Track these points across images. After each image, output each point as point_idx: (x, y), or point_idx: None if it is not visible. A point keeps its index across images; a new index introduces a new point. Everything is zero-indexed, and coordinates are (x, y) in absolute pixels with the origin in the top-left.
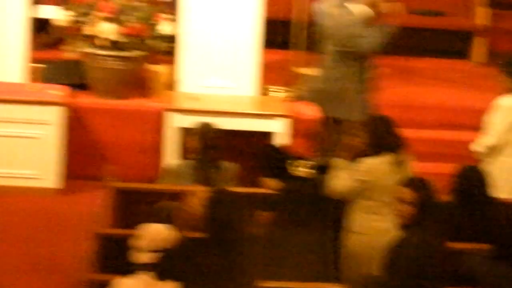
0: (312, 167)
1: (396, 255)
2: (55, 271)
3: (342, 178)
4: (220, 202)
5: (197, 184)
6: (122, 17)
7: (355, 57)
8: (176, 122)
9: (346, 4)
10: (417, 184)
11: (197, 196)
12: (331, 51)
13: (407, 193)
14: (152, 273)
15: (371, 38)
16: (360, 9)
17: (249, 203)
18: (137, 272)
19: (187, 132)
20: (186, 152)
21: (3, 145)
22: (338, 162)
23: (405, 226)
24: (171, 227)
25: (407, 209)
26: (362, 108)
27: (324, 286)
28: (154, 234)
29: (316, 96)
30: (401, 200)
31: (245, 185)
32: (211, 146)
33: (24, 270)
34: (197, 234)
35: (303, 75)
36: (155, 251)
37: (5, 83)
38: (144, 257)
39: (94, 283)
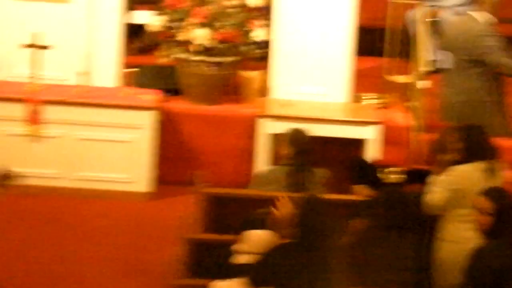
0: (403, 174)
1: (474, 264)
2: (146, 275)
3: (437, 191)
4: (310, 209)
5: (288, 189)
6: (216, 23)
7: (487, 68)
8: (268, 128)
9: (469, 12)
10: (495, 194)
11: (288, 202)
12: (459, 61)
13: (486, 203)
14: (247, 278)
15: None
16: (484, 17)
17: (339, 210)
18: (232, 276)
19: (279, 138)
20: (277, 158)
21: (96, 149)
22: (433, 178)
23: (483, 236)
24: (269, 232)
25: (485, 219)
26: (502, 121)
27: None
28: (255, 239)
29: (451, 110)
30: (480, 210)
31: (336, 192)
32: (303, 151)
33: (115, 274)
34: (287, 240)
35: (398, 84)
36: (253, 256)
37: (99, 88)
38: (243, 261)
39: (182, 287)
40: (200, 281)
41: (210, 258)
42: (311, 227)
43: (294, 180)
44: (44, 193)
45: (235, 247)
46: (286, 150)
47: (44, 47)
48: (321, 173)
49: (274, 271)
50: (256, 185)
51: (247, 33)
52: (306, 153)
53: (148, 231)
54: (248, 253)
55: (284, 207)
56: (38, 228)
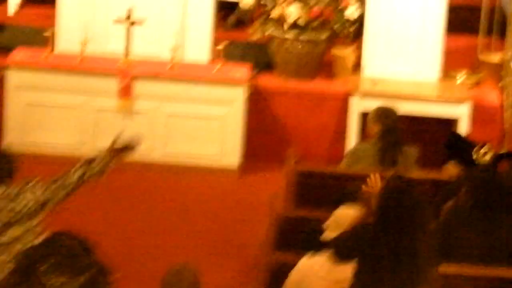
0: (496, 154)
1: None
2: (236, 250)
3: None
4: (398, 187)
5: (378, 167)
6: (310, 0)
7: None
8: (360, 106)
9: None
10: None
11: (378, 180)
12: None
13: None
14: (334, 253)
15: None
16: None
17: (429, 189)
18: (320, 251)
19: (369, 115)
20: (368, 135)
21: (187, 124)
22: None
23: None
24: (359, 210)
25: None
26: None
27: (505, 271)
28: (345, 216)
29: None
30: None
31: (426, 170)
32: (392, 129)
33: (205, 248)
34: (374, 218)
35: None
36: (341, 232)
37: (191, 63)
38: (331, 237)
39: (273, 263)
40: (289, 257)
41: (299, 234)
42: (399, 205)
43: (384, 158)
44: (135, 168)
45: (325, 223)
46: (375, 128)
47: (138, 22)
48: (411, 151)
49: (360, 248)
50: (348, 162)
51: (340, 10)
52: (396, 131)
53: (238, 206)
54: (338, 229)
55: (375, 185)
56: (129, 202)
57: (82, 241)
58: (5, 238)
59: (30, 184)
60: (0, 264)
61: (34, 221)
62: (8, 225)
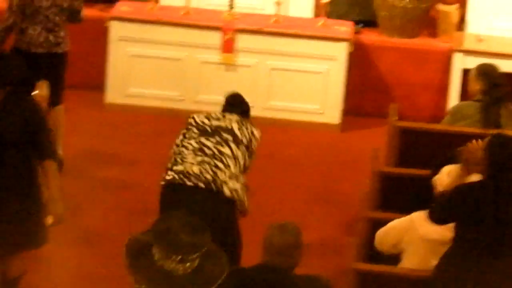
0: None
1: None
2: (336, 205)
3: None
4: (501, 145)
5: (482, 125)
6: None
7: None
8: (463, 63)
9: None
10: None
11: (480, 144)
12: None
13: None
14: (431, 216)
15: None
16: None
17: None
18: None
19: (471, 73)
20: (470, 93)
21: (289, 79)
22: None
23: None
24: (462, 169)
25: None
26: None
27: None
28: (449, 175)
29: None
30: None
31: None
32: (495, 86)
33: (307, 202)
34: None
35: None
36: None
37: (294, 18)
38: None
39: (372, 220)
40: (390, 215)
41: (398, 192)
42: (499, 164)
43: (487, 115)
44: None
45: (436, 179)
46: (478, 85)
47: None
48: None
49: (459, 208)
50: (450, 120)
51: None
52: (499, 87)
53: (339, 162)
54: (443, 188)
55: (476, 149)
56: None
57: (192, 222)
58: None
59: None
60: None
61: None
62: None
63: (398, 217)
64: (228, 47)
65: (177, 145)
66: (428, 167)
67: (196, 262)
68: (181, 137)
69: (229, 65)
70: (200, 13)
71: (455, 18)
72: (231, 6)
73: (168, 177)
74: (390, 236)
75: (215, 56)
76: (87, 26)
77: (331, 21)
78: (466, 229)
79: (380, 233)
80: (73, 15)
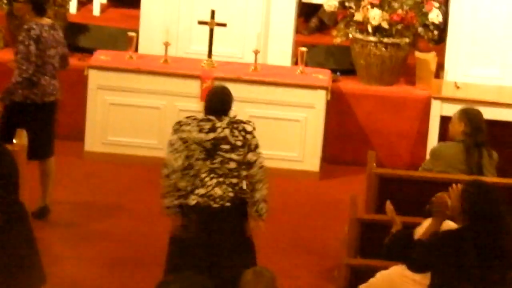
0: None
1: None
2: (315, 253)
3: None
4: (481, 195)
5: (464, 167)
6: (394, 3)
7: None
8: (441, 110)
9: None
10: None
11: (459, 192)
12: None
13: None
14: (410, 265)
15: None
16: None
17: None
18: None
19: (454, 115)
20: (451, 135)
21: (267, 127)
22: None
23: None
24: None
25: None
26: None
27: None
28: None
29: None
30: None
31: (506, 176)
32: (478, 129)
33: (284, 251)
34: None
35: None
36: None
37: (272, 66)
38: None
39: (353, 267)
40: (369, 262)
41: (380, 239)
42: (481, 213)
43: (470, 157)
44: None
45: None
46: (460, 127)
47: (221, 25)
48: (494, 154)
49: (439, 257)
50: (430, 161)
51: (424, 13)
52: (482, 131)
53: (317, 209)
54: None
55: (456, 196)
56: None
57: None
58: None
59: None
60: None
61: None
62: None
63: (378, 264)
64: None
65: (174, 171)
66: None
67: None
68: (176, 162)
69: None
70: (179, 62)
71: (432, 65)
72: (209, 55)
73: (192, 202)
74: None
75: (194, 104)
76: (65, 75)
77: (309, 69)
78: (445, 277)
79: None
80: (64, 61)
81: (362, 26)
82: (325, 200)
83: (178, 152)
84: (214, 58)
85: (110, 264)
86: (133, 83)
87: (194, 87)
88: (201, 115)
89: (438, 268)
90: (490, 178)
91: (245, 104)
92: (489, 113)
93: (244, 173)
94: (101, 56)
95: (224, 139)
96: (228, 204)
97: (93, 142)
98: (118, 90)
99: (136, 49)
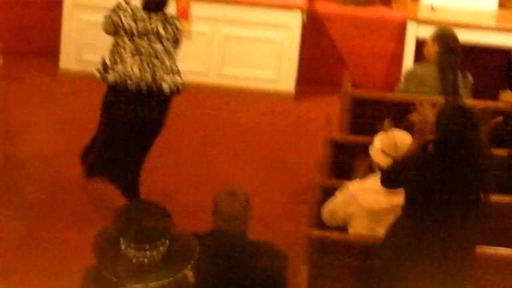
0: None
1: None
2: (288, 173)
3: None
4: (453, 114)
5: (437, 88)
6: None
7: None
8: (417, 33)
9: None
10: None
11: (429, 107)
12: None
13: None
14: (384, 180)
15: None
16: None
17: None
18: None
19: (429, 36)
20: (426, 57)
21: (243, 47)
22: None
23: None
24: (411, 136)
25: None
26: None
27: None
28: (397, 140)
29: None
30: None
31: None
32: (452, 50)
33: (259, 171)
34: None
35: None
36: (392, 157)
37: None
38: (381, 161)
39: (324, 187)
40: (342, 183)
41: (349, 159)
42: (453, 133)
43: (444, 78)
44: (191, 88)
45: (370, 147)
46: (435, 48)
47: None
48: (469, 77)
49: (410, 175)
50: (404, 84)
51: None
52: (456, 52)
53: (292, 130)
54: (387, 154)
55: (425, 112)
56: (185, 124)
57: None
58: None
59: None
60: None
61: None
62: None
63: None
64: (183, 15)
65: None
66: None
67: (165, 248)
68: (110, 27)
69: (185, 33)
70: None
71: None
72: None
73: (110, 77)
74: (335, 213)
75: None
76: None
77: None
78: (415, 195)
79: (326, 211)
80: None
81: None
82: (299, 120)
83: (108, 24)
84: None
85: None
86: (108, 2)
87: (170, 6)
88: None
89: (408, 187)
90: (466, 100)
91: (220, 23)
92: (464, 36)
93: (166, 60)
94: None
95: (153, 31)
96: (143, 87)
97: (68, 59)
98: (93, 9)
99: None
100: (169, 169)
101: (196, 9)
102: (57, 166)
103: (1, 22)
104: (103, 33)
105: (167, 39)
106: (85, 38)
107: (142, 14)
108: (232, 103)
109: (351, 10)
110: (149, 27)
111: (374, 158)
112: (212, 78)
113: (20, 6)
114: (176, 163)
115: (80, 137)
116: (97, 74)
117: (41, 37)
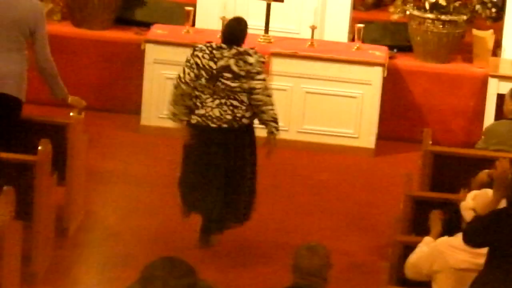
0: None
1: None
2: (369, 229)
3: None
4: None
5: None
6: None
7: None
8: (498, 88)
9: None
10: None
11: (507, 163)
12: None
13: None
14: (465, 239)
15: None
16: None
17: None
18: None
19: (507, 93)
20: (505, 114)
21: (323, 103)
22: None
23: None
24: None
25: None
26: None
27: None
28: (482, 199)
29: None
30: None
31: None
32: None
33: (339, 227)
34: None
35: None
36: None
37: (329, 42)
38: (467, 218)
39: (404, 244)
40: (421, 239)
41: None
42: None
43: None
44: None
45: (462, 204)
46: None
47: (277, 0)
48: None
49: (493, 233)
50: (483, 140)
51: None
52: None
53: (372, 186)
54: (474, 211)
55: (504, 168)
56: (265, 178)
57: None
58: None
59: None
60: None
61: None
62: None
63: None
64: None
65: (185, 83)
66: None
67: None
68: (188, 76)
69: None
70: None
71: (490, 43)
72: (266, 30)
73: (192, 121)
74: (419, 267)
75: None
76: (122, 49)
77: (366, 46)
78: (500, 254)
79: (409, 265)
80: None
81: (419, 3)
82: (380, 177)
83: (190, 69)
84: (270, 33)
85: (154, 236)
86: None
87: None
88: (215, 44)
89: (494, 246)
90: None
91: (302, 79)
92: None
93: (245, 98)
94: (158, 30)
95: (227, 68)
96: (225, 125)
97: (149, 116)
98: (175, 64)
99: (193, 24)
100: (248, 221)
101: (277, 66)
102: (135, 221)
103: (83, 79)
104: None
105: (241, 76)
106: (165, 94)
107: (217, 52)
108: (312, 159)
109: (432, 66)
110: (224, 63)
111: (464, 215)
112: (292, 134)
113: (102, 63)
114: (256, 216)
115: (160, 191)
116: (177, 121)
117: (122, 94)
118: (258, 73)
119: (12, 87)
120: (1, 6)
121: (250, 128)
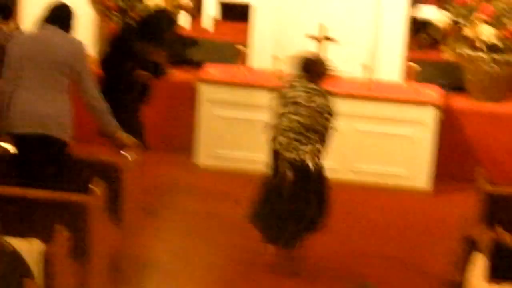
0: None
1: None
2: (423, 271)
3: None
4: None
5: None
6: (504, 20)
7: None
8: None
9: None
10: None
11: None
12: None
13: None
14: None
15: None
16: None
17: None
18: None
19: None
20: None
21: (376, 142)
22: None
23: None
24: None
25: None
26: None
27: None
28: None
29: None
30: None
31: None
32: None
33: (394, 269)
34: None
35: None
36: None
37: (382, 82)
38: None
39: (461, 285)
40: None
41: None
42: None
43: None
44: None
45: None
46: None
47: (330, 39)
48: None
49: None
50: None
51: None
52: None
53: (427, 227)
54: None
55: None
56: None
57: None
58: None
59: None
60: None
61: None
62: None
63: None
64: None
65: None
66: None
67: None
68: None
69: None
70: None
71: None
72: None
73: (273, 146)
74: None
75: None
76: (174, 88)
77: (419, 85)
78: None
79: None
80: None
81: (471, 43)
82: (434, 217)
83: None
84: None
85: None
86: (243, 97)
87: None
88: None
89: None
90: None
91: (355, 118)
92: None
93: (312, 137)
94: (210, 69)
95: (298, 101)
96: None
97: (203, 155)
98: (228, 104)
99: (245, 64)
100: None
101: None
102: (192, 259)
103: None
104: (236, 128)
105: (312, 110)
106: (219, 133)
107: (297, 84)
108: (365, 198)
109: (486, 106)
110: (298, 97)
111: None
112: (345, 173)
113: (156, 102)
114: (308, 257)
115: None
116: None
117: (177, 133)
118: (330, 112)
119: (53, 128)
120: (39, 47)
121: None
